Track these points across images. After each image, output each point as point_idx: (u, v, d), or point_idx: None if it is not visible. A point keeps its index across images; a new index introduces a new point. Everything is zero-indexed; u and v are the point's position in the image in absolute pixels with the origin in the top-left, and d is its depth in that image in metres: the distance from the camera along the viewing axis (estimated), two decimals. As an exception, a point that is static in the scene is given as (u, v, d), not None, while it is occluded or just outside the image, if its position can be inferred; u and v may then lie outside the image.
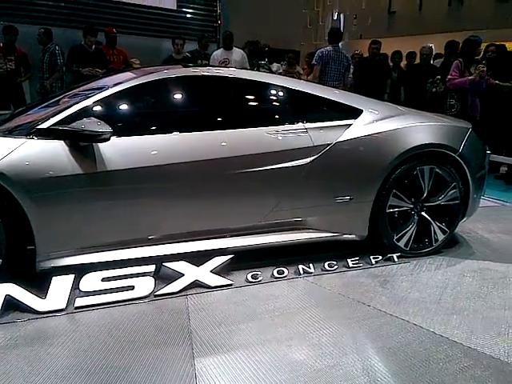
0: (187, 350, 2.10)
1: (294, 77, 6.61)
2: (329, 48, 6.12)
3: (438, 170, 3.13)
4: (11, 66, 6.25)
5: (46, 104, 2.96)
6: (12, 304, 2.35)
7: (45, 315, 2.34)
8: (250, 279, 2.78)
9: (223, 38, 6.69)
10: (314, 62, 6.23)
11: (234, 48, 6.56)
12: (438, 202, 3.20)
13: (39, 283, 2.46)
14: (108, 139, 2.43)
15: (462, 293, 2.72)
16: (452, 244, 3.45)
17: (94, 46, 6.20)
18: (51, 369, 1.94)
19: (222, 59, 6.47)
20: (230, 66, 6.10)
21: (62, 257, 2.51)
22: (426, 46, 6.50)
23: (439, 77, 5.82)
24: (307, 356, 2.07)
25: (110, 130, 2.40)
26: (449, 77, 5.46)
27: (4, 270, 2.41)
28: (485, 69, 5.23)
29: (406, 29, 11.91)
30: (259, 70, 6.54)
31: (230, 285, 2.71)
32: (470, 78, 5.30)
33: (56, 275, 2.47)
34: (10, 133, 2.53)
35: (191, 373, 1.94)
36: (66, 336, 2.20)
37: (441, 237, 3.25)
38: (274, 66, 7.50)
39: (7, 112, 4.30)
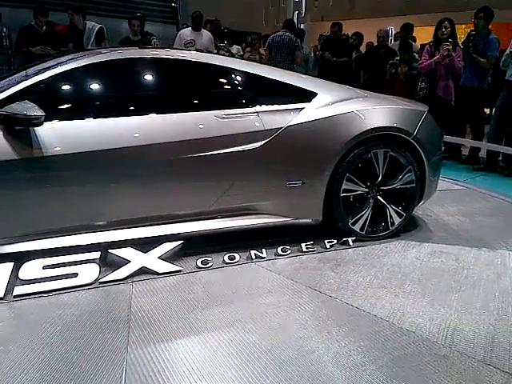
0: (123, 337, 2.07)
1: (256, 59, 6.63)
2: (279, 33, 6.47)
3: (392, 154, 3.11)
4: None
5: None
6: None
7: (-19, 304, 2.29)
8: (200, 265, 2.74)
9: (192, 19, 6.57)
10: (264, 47, 6.63)
11: (203, 30, 6.47)
12: (393, 186, 3.18)
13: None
14: (41, 123, 2.36)
15: (412, 276, 2.72)
16: (410, 227, 3.44)
17: (44, 27, 5.98)
18: None
19: (188, 39, 6.40)
20: (190, 48, 6.04)
21: (1, 244, 2.44)
22: (382, 29, 6.60)
23: (398, 58, 5.88)
24: (239, 340, 2.05)
25: (42, 113, 2.32)
26: (420, 62, 5.50)
27: None
28: (449, 47, 5.23)
29: (367, 12, 11.92)
30: (218, 53, 6.53)
31: (179, 271, 2.68)
32: (434, 58, 5.31)
33: (-7, 264, 2.41)
34: None
35: (122, 359, 1.91)
36: (3, 325, 2.15)
37: (397, 220, 3.24)
38: (234, 49, 7.42)
39: None
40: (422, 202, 3.38)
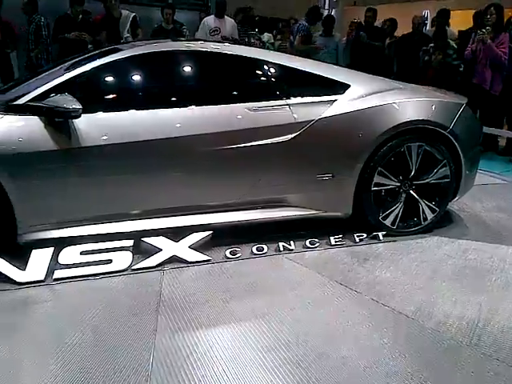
0: (152, 322, 2.17)
1: (286, 47, 6.56)
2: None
3: (426, 148, 3.05)
4: None
5: (32, 78, 3.00)
6: (-8, 275, 2.46)
7: (25, 286, 2.45)
8: (229, 255, 2.81)
9: (217, 5, 6.53)
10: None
11: (226, 17, 6.45)
12: (427, 180, 3.12)
13: (20, 255, 2.56)
14: (78, 116, 2.47)
15: (442, 274, 2.67)
16: (445, 222, 3.37)
17: (80, 16, 6.08)
18: (31, 334, 2.08)
19: (213, 27, 6.39)
20: (217, 39, 6.08)
21: (42, 230, 2.60)
22: (417, 15, 6.44)
23: (432, 45, 5.69)
24: (266, 331, 2.11)
25: (79, 107, 2.43)
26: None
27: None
28: (484, 35, 5.03)
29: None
30: (249, 41, 6.50)
31: (208, 260, 2.75)
32: (471, 46, 5.13)
33: (36, 248, 2.56)
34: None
35: (150, 344, 2.00)
36: (44, 306, 2.31)
37: (430, 216, 3.18)
38: (265, 36, 7.32)
39: None
40: (457, 197, 3.30)
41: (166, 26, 6.32)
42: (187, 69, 3.00)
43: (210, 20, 6.51)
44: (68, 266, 2.56)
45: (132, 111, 2.69)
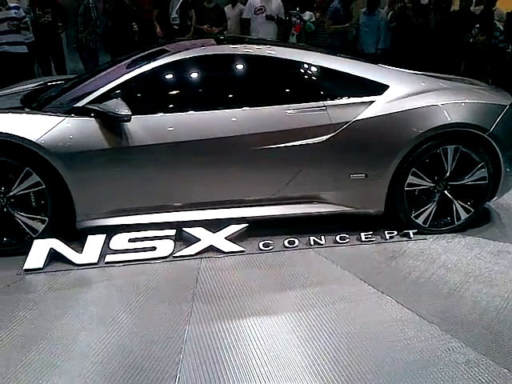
0: (188, 307, 2.44)
1: (324, 27, 6.51)
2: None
3: (464, 150, 3.05)
4: (48, 19, 6.29)
5: (91, 78, 3.28)
6: (55, 256, 2.83)
7: (80, 267, 2.80)
8: (262, 247, 3.02)
9: None
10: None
11: None
12: (463, 182, 3.13)
13: (77, 240, 2.92)
14: (128, 120, 2.72)
15: (469, 277, 2.72)
16: (481, 222, 3.36)
17: None
18: (91, 309, 2.44)
19: (258, 6, 6.42)
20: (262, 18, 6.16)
21: (97, 218, 2.93)
22: None
23: (478, 25, 5.34)
24: (287, 323, 2.31)
25: (128, 112, 2.68)
26: None
27: (50, 227, 2.87)
28: None
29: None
30: (290, 20, 6.43)
31: (242, 251, 2.98)
32: None
33: (91, 234, 2.90)
34: (49, 109, 2.91)
35: (183, 329, 2.27)
36: (97, 286, 2.66)
37: (464, 216, 3.20)
38: (307, 15, 7.12)
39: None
40: (495, 197, 3.29)
41: (208, 5, 6.43)
42: (231, 72, 3.16)
43: None
44: (118, 252, 2.88)
45: (186, 113, 2.91)
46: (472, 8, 6.49)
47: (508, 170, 3.15)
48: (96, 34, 6.52)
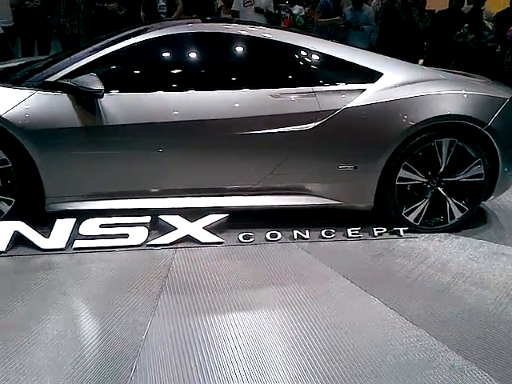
0: (155, 298, 2.28)
1: (313, 21, 6.35)
2: None
3: (459, 144, 2.88)
4: (37, 3, 6.04)
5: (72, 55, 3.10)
6: (20, 240, 2.66)
7: (46, 252, 2.63)
8: (242, 239, 2.85)
9: None
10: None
11: None
12: (457, 178, 2.97)
13: (47, 225, 2.74)
14: (101, 96, 2.55)
15: (458, 278, 2.56)
16: (476, 221, 3.20)
17: None
18: (50, 295, 2.28)
19: None
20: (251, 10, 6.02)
21: (68, 201, 2.76)
22: None
23: (467, 25, 5.27)
24: (263, 321, 2.15)
25: (101, 87, 2.51)
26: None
27: (16, 209, 2.71)
28: None
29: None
30: (280, 13, 6.29)
31: (221, 243, 2.81)
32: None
33: (60, 218, 2.73)
34: (20, 83, 2.73)
35: (146, 321, 2.11)
36: (60, 272, 2.49)
37: (458, 214, 3.03)
38: (296, 9, 7.02)
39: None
40: (491, 196, 3.12)
41: None
42: (215, 52, 2.99)
43: None
44: (87, 237, 2.71)
45: (162, 92, 2.74)
46: (463, 7, 6.46)
47: (506, 169, 2.98)
48: (79, 19, 6.35)
